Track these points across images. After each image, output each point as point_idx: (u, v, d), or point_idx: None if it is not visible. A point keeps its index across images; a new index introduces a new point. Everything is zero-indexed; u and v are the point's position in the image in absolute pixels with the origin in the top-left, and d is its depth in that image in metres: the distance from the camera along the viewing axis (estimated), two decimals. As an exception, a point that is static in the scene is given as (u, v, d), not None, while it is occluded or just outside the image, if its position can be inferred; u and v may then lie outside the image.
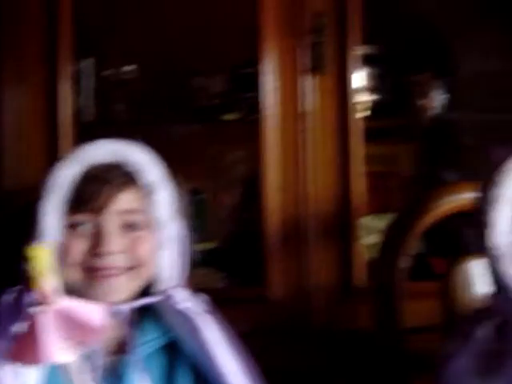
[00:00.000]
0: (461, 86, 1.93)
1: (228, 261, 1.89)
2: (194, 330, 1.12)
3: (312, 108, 1.63)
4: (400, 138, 1.91)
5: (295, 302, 1.61)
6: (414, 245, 1.42)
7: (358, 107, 1.67)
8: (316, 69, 1.60)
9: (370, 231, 1.75)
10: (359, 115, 1.66)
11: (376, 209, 1.90)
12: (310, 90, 1.63)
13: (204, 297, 1.16)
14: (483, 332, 1.14)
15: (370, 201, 1.83)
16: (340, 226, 1.63)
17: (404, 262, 1.40)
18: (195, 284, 1.22)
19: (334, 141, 1.63)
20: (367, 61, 1.81)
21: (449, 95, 1.91)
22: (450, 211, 1.41)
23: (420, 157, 1.92)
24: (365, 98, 1.81)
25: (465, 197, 1.35)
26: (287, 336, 1.60)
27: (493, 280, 1.12)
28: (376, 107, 1.86)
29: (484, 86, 1.94)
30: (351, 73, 1.65)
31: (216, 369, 1.10)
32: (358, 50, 1.68)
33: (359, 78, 1.69)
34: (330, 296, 1.61)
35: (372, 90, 1.84)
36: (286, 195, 1.62)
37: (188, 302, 1.14)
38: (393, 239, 1.39)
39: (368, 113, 1.81)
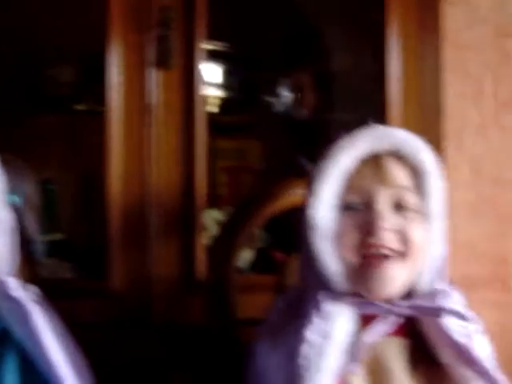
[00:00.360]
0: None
1: (75, 252, 1.88)
2: (23, 318, 1.12)
3: (157, 102, 1.63)
4: (250, 134, 1.95)
5: (136, 294, 1.61)
6: (254, 238, 1.45)
7: (206, 102, 1.69)
8: (162, 63, 1.61)
9: (215, 225, 1.78)
10: (206, 110, 1.68)
11: (228, 202, 1.94)
12: (156, 83, 1.63)
13: (35, 288, 1.16)
14: (277, 305, 1.23)
15: (223, 194, 1.86)
16: (183, 219, 1.64)
17: (239, 255, 1.43)
18: (41, 274, 1.20)
19: (178, 135, 1.64)
20: (215, 56, 1.84)
21: (297, 93, 1.95)
22: (292, 205, 1.44)
23: (270, 152, 1.96)
24: (213, 93, 1.83)
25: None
26: (128, 328, 1.60)
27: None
28: (225, 103, 1.88)
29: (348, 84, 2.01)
30: (198, 67, 1.65)
31: (43, 357, 1.11)
32: (206, 45, 1.69)
33: (207, 74, 1.70)
34: (172, 289, 1.62)
35: (220, 85, 1.87)
36: (129, 188, 1.62)
37: (19, 291, 1.13)
38: (228, 233, 1.41)
39: (216, 108, 1.83)
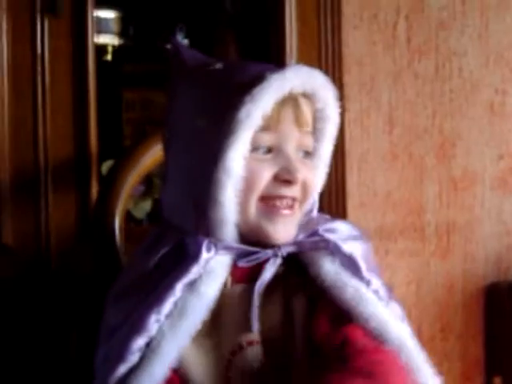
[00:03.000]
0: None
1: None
2: None
3: (48, 51, 1.57)
4: (153, 83, 1.89)
5: (32, 248, 1.58)
6: (152, 188, 1.41)
7: (106, 51, 1.64)
8: (50, 9, 1.55)
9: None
10: (101, 59, 1.63)
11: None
12: (45, 31, 1.57)
13: None
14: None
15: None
16: (77, 171, 1.60)
17: (137, 206, 1.39)
18: None
19: (70, 85, 1.59)
20: (107, 4, 1.78)
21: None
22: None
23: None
24: (107, 42, 1.77)
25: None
26: (25, 283, 1.56)
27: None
28: (122, 52, 1.83)
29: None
30: (89, 14, 1.60)
31: None
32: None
33: (99, 22, 1.65)
34: (68, 241, 1.58)
35: (115, 33, 1.81)
36: (19, 140, 1.57)
37: None
38: (108, 183, 1.37)
39: (110, 57, 1.78)
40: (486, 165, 2.15)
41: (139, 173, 1.38)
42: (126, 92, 1.82)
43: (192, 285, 1.06)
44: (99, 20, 1.74)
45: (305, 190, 1.13)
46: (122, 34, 1.78)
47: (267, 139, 1.09)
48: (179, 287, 1.06)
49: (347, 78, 2.02)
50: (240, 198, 1.08)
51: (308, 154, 1.14)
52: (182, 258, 1.08)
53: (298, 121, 1.11)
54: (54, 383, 1.53)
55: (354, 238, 1.15)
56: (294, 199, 1.12)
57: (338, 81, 1.74)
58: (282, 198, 1.10)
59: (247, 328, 1.08)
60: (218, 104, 1.08)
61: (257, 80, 1.07)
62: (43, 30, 1.55)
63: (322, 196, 1.68)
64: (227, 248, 1.09)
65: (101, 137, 1.67)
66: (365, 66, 2.06)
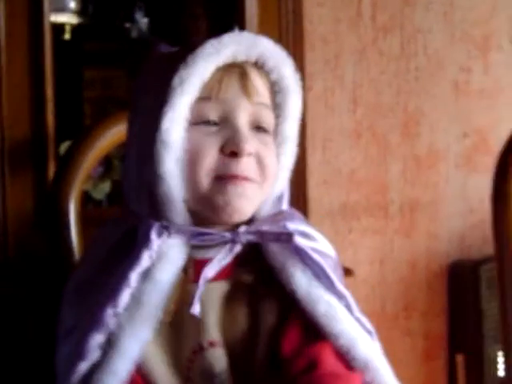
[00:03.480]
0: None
1: None
2: None
3: (4, 30, 1.54)
4: (114, 62, 1.86)
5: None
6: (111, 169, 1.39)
7: (64, 30, 1.62)
8: (4, -13, 1.52)
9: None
10: (60, 38, 1.60)
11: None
12: (2, 11, 1.54)
13: None
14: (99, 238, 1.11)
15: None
16: (34, 152, 1.57)
17: (96, 188, 1.37)
18: None
19: (26, 65, 1.56)
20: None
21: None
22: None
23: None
24: (66, 21, 1.74)
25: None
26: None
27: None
28: (81, 30, 1.80)
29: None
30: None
31: None
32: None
33: (57, 0, 1.63)
34: (26, 223, 1.56)
35: (74, 12, 1.78)
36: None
37: None
38: (65, 164, 1.34)
39: (68, 36, 1.75)
40: (451, 143, 2.16)
41: (96, 154, 1.35)
42: (86, 70, 1.80)
43: (146, 273, 1.01)
44: (57, -1, 1.70)
45: (262, 167, 1.04)
46: (81, 12, 1.75)
47: (209, 109, 1.01)
48: (134, 277, 1.00)
49: (311, 56, 2.01)
50: (186, 173, 1.01)
51: (265, 131, 1.05)
52: (134, 245, 1.02)
53: (246, 90, 1.03)
54: (12, 368, 1.52)
55: (321, 254, 1.07)
56: (246, 179, 1.02)
57: (299, 59, 1.71)
58: (232, 176, 1.01)
59: (206, 328, 1.04)
60: (158, 77, 1.03)
61: (193, 48, 1.01)
62: (-3, 9, 1.52)
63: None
64: (180, 230, 1.02)
65: (61, 116, 1.65)
66: (329, 43, 2.05)
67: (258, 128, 1.04)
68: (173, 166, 1.00)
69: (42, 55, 1.54)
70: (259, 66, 1.05)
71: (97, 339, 0.99)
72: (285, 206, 1.11)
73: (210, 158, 1.01)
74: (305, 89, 1.78)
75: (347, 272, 1.65)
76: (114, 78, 1.84)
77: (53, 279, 1.31)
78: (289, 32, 1.71)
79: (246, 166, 1.02)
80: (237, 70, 1.03)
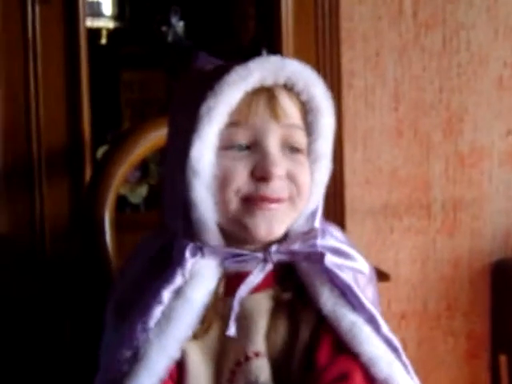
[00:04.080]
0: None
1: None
2: None
3: (40, 37, 1.55)
4: (151, 64, 1.87)
5: (25, 235, 1.56)
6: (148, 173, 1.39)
7: (100, 35, 1.62)
8: (41, -4, 1.53)
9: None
10: (96, 43, 1.61)
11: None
12: (38, 18, 1.55)
13: None
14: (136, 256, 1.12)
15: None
16: (70, 157, 1.58)
17: (133, 192, 1.37)
18: None
19: (62, 70, 1.56)
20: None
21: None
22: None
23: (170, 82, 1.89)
24: (102, 25, 1.75)
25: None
26: (18, 271, 1.56)
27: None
28: (118, 35, 1.80)
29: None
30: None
31: None
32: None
33: (93, 5, 1.63)
34: (62, 228, 1.57)
35: (110, 17, 1.78)
36: (13, 127, 1.56)
37: None
38: (100, 170, 1.35)
39: (104, 40, 1.75)
40: (494, 140, 2.12)
41: (132, 160, 1.36)
42: (124, 73, 1.80)
43: (178, 291, 1.02)
44: (93, 4, 1.71)
45: (296, 185, 1.05)
46: (117, 17, 1.76)
47: (239, 134, 1.02)
48: (166, 295, 1.01)
49: (351, 54, 1.99)
50: (217, 197, 1.02)
51: (298, 150, 1.06)
52: (168, 263, 1.04)
53: (274, 113, 1.03)
54: (49, 370, 1.54)
55: (353, 270, 1.09)
56: (278, 201, 1.04)
57: (335, 58, 1.69)
58: (262, 198, 1.02)
59: (252, 339, 1.05)
60: (191, 100, 1.04)
61: (219, 74, 1.02)
62: (34, 16, 1.53)
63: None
64: (213, 251, 1.04)
65: (99, 120, 1.66)
66: (370, 41, 2.03)
67: (291, 148, 1.05)
68: (203, 191, 1.01)
69: (78, 61, 1.55)
70: (288, 87, 1.06)
71: (125, 355, 1.01)
72: (317, 222, 1.10)
73: (240, 182, 1.02)
74: (345, 87, 1.76)
75: (384, 277, 1.64)
76: (151, 80, 1.85)
77: (89, 284, 1.33)
78: (325, 30, 1.69)
79: (276, 187, 1.03)
80: (265, 94, 1.04)
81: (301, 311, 1.07)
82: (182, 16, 1.79)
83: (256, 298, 1.06)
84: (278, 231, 1.05)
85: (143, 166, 1.68)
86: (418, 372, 1.10)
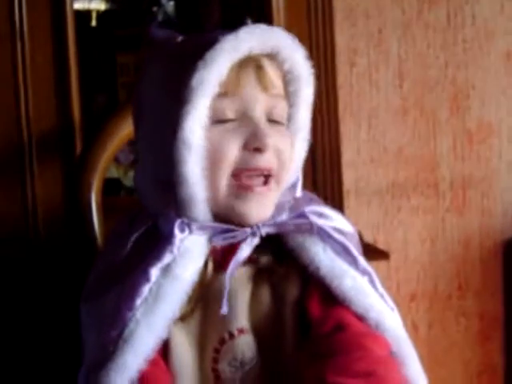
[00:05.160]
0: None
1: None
2: None
3: (26, 21, 1.54)
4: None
5: (18, 223, 1.56)
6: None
7: (90, 17, 1.61)
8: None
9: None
10: (87, 25, 1.59)
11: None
12: (24, 2, 1.54)
13: None
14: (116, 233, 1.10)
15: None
16: (61, 141, 1.56)
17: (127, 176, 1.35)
18: None
19: (51, 53, 1.55)
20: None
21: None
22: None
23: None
24: (93, 7, 1.73)
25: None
26: (11, 253, 1.55)
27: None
28: (108, 16, 1.79)
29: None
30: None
31: None
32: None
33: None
34: (54, 214, 1.56)
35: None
36: (2, 113, 1.55)
37: None
38: (87, 154, 1.34)
39: (94, 22, 1.74)
40: (503, 116, 2.08)
41: (117, 142, 1.35)
42: (119, 56, 1.78)
43: (167, 268, 1.00)
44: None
45: (280, 160, 1.03)
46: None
47: (228, 106, 1.00)
48: (154, 272, 0.99)
49: (354, 31, 1.96)
50: (208, 174, 1.00)
51: (279, 122, 1.05)
52: (156, 241, 1.02)
53: (262, 82, 1.02)
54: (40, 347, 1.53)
55: (340, 232, 1.07)
56: (269, 171, 1.03)
57: (328, 34, 1.66)
58: (255, 169, 1.01)
59: (236, 316, 1.03)
60: (173, 74, 1.01)
61: (209, 44, 0.99)
62: (20, 0, 1.52)
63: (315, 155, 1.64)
64: (202, 227, 1.01)
65: (95, 103, 1.65)
66: (372, 17, 1.99)
67: (273, 120, 1.04)
68: (195, 166, 0.99)
69: (66, 43, 1.54)
70: (272, 56, 1.04)
71: (111, 335, 0.98)
72: (299, 192, 1.10)
73: (232, 156, 1.00)
74: (348, 65, 1.73)
75: (382, 255, 1.61)
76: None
77: (77, 267, 1.32)
78: (318, 4, 1.66)
79: (268, 159, 1.02)
80: (252, 64, 1.02)
81: (284, 275, 1.05)
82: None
83: (236, 275, 1.04)
84: (269, 213, 1.04)
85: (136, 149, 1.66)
86: (429, 354, 1.08)
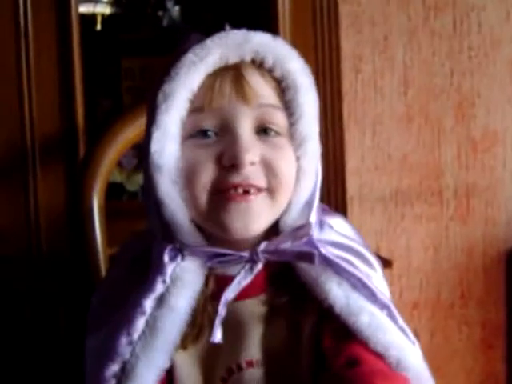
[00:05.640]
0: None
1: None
2: None
3: (31, 24, 1.54)
4: (150, 50, 1.84)
5: (20, 226, 1.56)
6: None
7: (89, 21, 1.61)
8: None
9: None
10: (92, 29, 1.60)
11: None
12: (29, 3, 1.54)
13: None
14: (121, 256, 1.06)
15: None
16: (64, 145, 1.57)
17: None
18: None
19: (56, 57, 1.56)
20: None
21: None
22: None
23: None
24: (98, 11, 1.73)
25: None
26: (14, 262, 1.55)
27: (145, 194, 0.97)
28: (113, 20, 1.79)
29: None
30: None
31: None
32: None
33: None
34: (56, 219, 1.56)
35: (106, 2, 1.77)
36: (6, 116, 1.56)
37: None
38: (89, 158, 1.33)
39: (99, 26, 1.74)
40: (508, 124, 2.07)
41: (120, 147, 1.34)
42: (124, 60, 1.78)
43: (161, 298, 0.95)
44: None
45: (272, 174, 0.94)
46: (113, 2, 1.74)
47: (202, 121, 0.93)
48: (148, 304, 0.94)
49: (359, 38, 1.96)
50: (187, 193, 0.93)
51: (276, 133, 0.96)
52: (148, 269, 0.97)
53: (242, 94, 0.93)
54: (44, 360, 1.53)
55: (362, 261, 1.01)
56: (251, 187, 0.93)
57: (335, 41, 1.66)
58: (235, 187, 0.93)
59: (246, 347, 0.98)
60: (151, 92, 0.96)
61: (175, 57, 0.93)
62: (26, 2, 1.52)
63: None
64: (193, 252, 0.95)
65: (99, 107, 1.65)
66: (378, 24, 1.99)
67: (265, 131, 0.96)
68: (170, 188, 0.93)
69: (71, 47, 1.54)
70: (258, 63, 0.96)
71: (112, 369, 0.95)
72: (313, 215, 1.00)
73: (208, 173, 0.93)
74: (353, 72, 1.73)
75: (385, 262, 1.60)
76: (152, 66, 1.83)
77: (78, 274, 1.31)
78: (323, 11, 1.65)
79: (249, 174, 0.93)
80: (230, 73, 0.94)
81: (300, 311, 0.99)
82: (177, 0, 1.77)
83: (248, 304, 0.99)
84: (257, 226, 0.95)
85: (139, 153, 1.66)
86: (431, 362, 1.04)
